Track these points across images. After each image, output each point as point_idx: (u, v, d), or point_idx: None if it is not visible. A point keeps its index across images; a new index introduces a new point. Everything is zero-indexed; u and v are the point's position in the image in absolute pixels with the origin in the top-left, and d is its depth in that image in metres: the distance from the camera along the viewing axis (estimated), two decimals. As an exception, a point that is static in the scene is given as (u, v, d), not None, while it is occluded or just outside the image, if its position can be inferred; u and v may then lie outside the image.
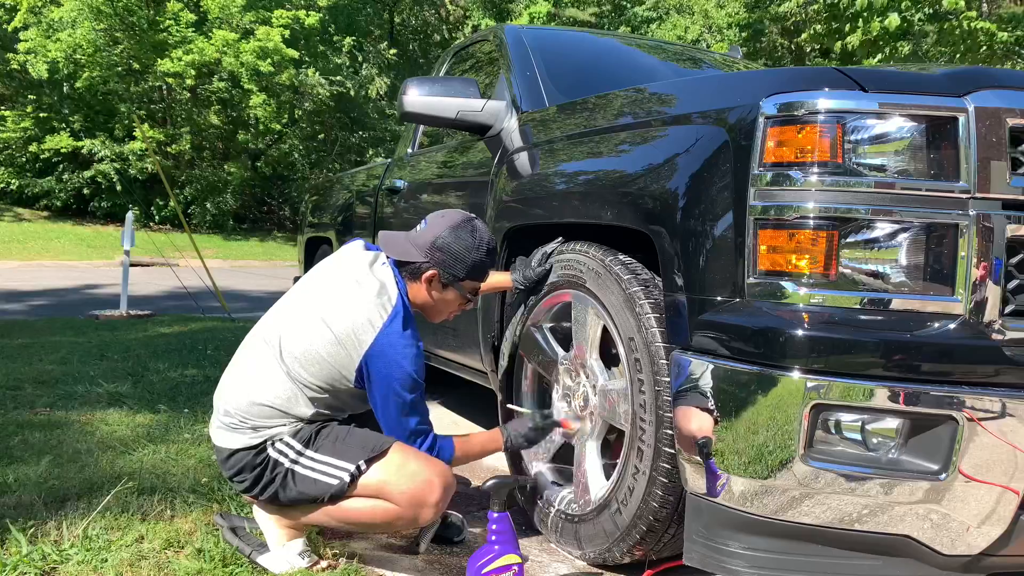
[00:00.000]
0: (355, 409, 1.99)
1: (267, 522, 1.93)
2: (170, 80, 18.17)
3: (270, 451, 1.86)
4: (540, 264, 2.23)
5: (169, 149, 18.93)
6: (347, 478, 1.82)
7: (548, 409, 2.21)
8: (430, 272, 1.96)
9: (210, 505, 2.25)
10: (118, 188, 17.95)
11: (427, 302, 2.01)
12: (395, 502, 1.83)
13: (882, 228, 1.46)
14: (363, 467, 1.83)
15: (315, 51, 20.97)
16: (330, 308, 1.87)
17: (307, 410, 1.88)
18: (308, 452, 1.85)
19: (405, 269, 1.97)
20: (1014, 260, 1.47)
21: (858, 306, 1.47)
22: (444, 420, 3.56)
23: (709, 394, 1.56)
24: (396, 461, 1.85)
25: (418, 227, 2.01)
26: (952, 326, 1.44)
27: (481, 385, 2.89)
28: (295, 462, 1.85)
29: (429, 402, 2.06)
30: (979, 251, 1.43)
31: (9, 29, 17.41)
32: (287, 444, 1.86)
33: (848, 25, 11.58)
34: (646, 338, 1.79)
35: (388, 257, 1.98)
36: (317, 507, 1.88)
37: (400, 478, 1.82)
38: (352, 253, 2.03)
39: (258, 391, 1.86)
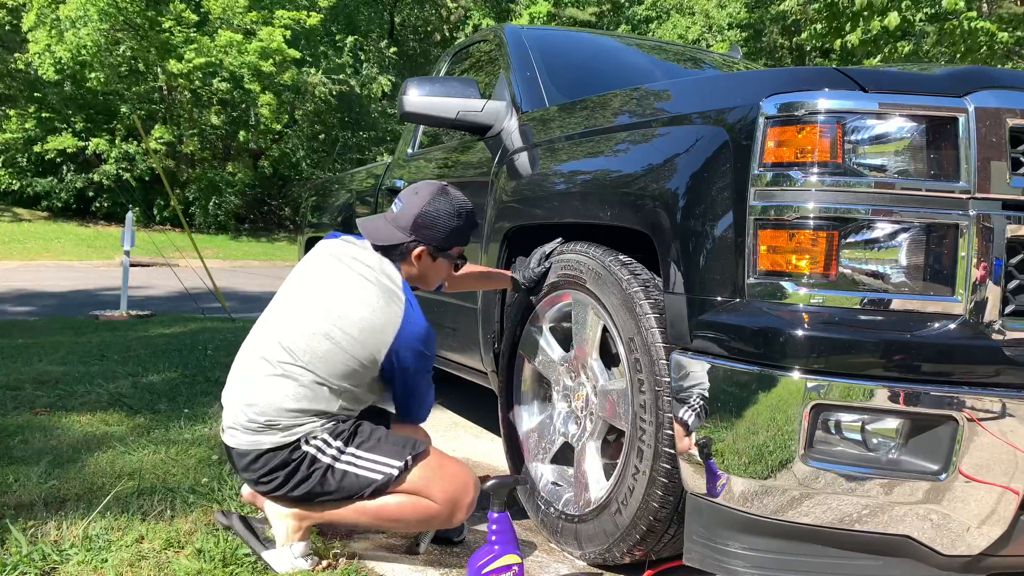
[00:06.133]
0: (375, 398, 2.02)
1: (279, 517, 1.92)
2: (181, 81, 18.21)
3: (306, 447, 1.86)
4: (539, 264, 2.24)
5: (180, 148, 18.97)
6: (395, 473, 1.87)
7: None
8: (419, 249, 2.01)
9: (210, 505, 2.25)
10: (132, 184, 18.02)
11: (419, 275, 2.08)
12: (435, 500, 1.90)
13: (882, 228, 1.46)
14: (410, 463, 1.89)
15: (316, 51, 20.99)
16: (344, 307, 1.89)
17: (332, 406, 1.89)
18: (350, 449, 1.88)
19: (395, 252, 2.01)
20: (1014, 260, 1.47)
21: (858, 306, 1.46)
22: (444, 420, 3.56)
23: (709, 394, 1.56)
24: (436, 461, 1.93)
25: (393, 207, 2.04)
26: (952, 326, 1.44)
27: (481, 385, 2.89)
28: (336, 459, 1.87)
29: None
30: (979, 251, 1.43)
31: (24, 28, 17.46)
32: (325, 441, 1.87)
33: (848, 24, 11.57)
34: (646, 338, 1.79)
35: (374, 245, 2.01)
36: (349, 503, 1.89)
37: (442, 478, 1.91)
38: (341, 248, 2.04)
39: (288, 402, 1.85)
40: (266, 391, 1.87)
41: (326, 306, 1.90)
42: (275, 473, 1.88)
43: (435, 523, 1.96)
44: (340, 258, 1.99)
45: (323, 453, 1.87)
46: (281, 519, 1.92)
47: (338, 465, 1.87)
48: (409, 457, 1.88)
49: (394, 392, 2.01)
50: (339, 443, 1.88)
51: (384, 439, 1.92)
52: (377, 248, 2.00)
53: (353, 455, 1.88)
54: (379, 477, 1.87)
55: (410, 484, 1.89)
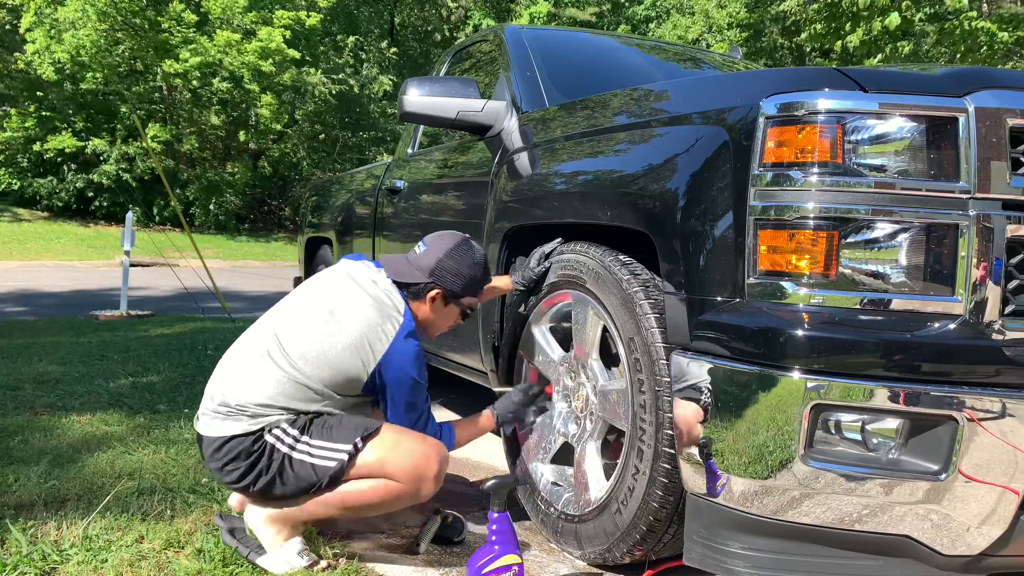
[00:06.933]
0: (358, 407, 2.02)
1: (260, 524, 1.93)
2: (178, 81, 18.20)
3: (267, 436, 1.88)
4: (539, 264, 2.24)
5: (177, 146, 18.97)
6: (345, 457, 1.86)
7: (531, 384, 2.32)
8: (434, 291, 2.06)
9: (210, 505, 2.25)
10: (133, 183, 18.04)
11: (428, 319, 2.12)
12: (396, 478, 1.88)
13: (882, 228, 1.46)
14: (360, 445, 1.88)
15: (316, 51, 20.99)
16: (342, 317, 1.94)
17: (309, 407, 1.91)
18: (304, 438, 1.88)
19: (409, 290, 2.07)
20: (1014, 260, 1.47)
21: (858, 306, 1.46)
22: (443, 420, 3.56)
23: (709, 394, 1.56)
24: (391, 438, 1.91)
25: (416, 249, 2.12)
26: (952, 326, 1.44)
27: (481, 385, 2.89)
28: (292, 448, 1.87)
29: (431, 403, 2.10)
30: (979, 251, 1.43)
31: (21, 30, 17.46)
32: (284, 431, 1.88)
33: (848, 24, 11.57)
34: (646, 338, 1.79)
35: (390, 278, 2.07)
36: (312, 496, 1.89)
37: (398, 454, 1.88)
38: (356, 267, 2.10)
39: (264, 392, 1.88)
40: (248, 380, 1.90)
41: (326, 313, 1.96)
42: (237, 463, 1.87)
43: (404, 501, 1.93)
44: (354, 277, 2.05)
45: (281, 442, 1.88)
46: (262, 526, 1.93)
47: (295, 455, 1.87)
48: (359, 439, 1.87)
49: (384, 413, 2.02)
50: (295, 431, 1.88)
51: (338, 425, 1.91)
52: (394, 282, 2.05)
53: (307, 443, 1.88)
54: (332, 464, 1.86)
55: (366, 466, 1.87)
